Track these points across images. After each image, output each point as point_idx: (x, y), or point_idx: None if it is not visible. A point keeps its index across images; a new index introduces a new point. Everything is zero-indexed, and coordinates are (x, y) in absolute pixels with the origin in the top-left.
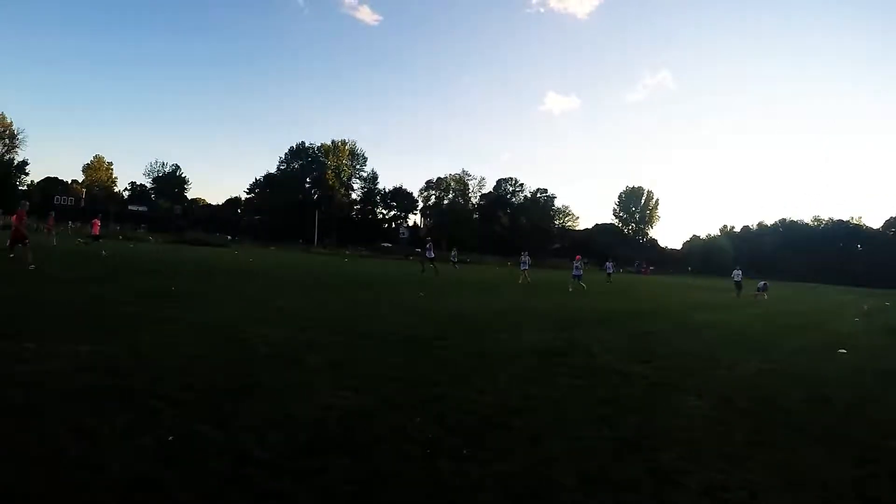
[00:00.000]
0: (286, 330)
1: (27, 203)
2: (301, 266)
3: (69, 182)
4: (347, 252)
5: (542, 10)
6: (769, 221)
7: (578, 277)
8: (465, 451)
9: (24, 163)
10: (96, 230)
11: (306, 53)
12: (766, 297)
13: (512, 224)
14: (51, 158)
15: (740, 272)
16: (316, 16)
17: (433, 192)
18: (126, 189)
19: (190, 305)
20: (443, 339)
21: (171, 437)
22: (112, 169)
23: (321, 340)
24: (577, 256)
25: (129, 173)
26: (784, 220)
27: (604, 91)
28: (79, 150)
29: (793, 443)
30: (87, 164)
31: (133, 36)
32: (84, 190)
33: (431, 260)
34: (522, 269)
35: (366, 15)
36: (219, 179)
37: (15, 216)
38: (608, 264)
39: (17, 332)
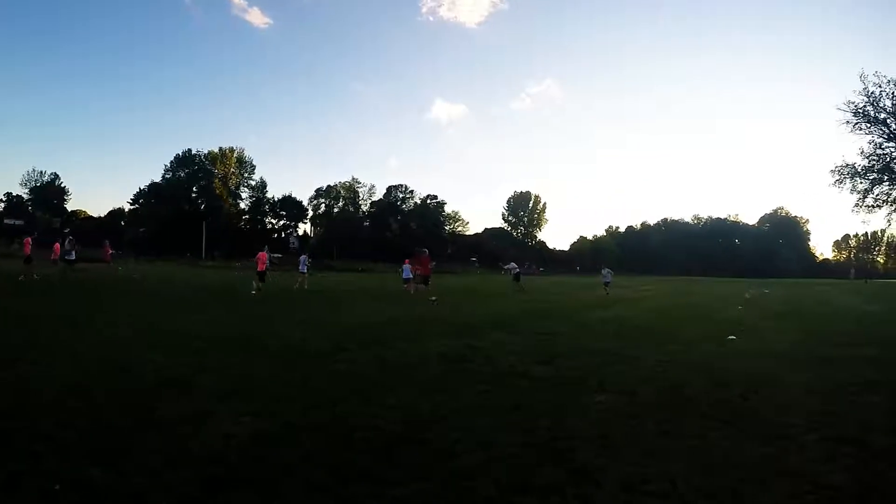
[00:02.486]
0: (176, 353)
1: None
2: (189, 281)
3: None
4: (237, 264)
5: (431, 18)
6: (652, 221)
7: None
8: (384, 475)
9: None
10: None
11: (193, 56)
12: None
13: (403, 230)
14: None
15: (610, 272)
16: (204, 16)
17: (323, 200)
18: (1, 200)
19: (70, 330)
20: (341, 352)
21: (57, 486)
22: None
23: (214, 363)
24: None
25: (3, 184)
26: (666, 219)
27: (490, 99)
28: None
29: (702, 429)
30: None
31: (6, 36)
32: None
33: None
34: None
35: (256, 17)
36: (101, 190)
37: None
38: (511, 264)
39: None
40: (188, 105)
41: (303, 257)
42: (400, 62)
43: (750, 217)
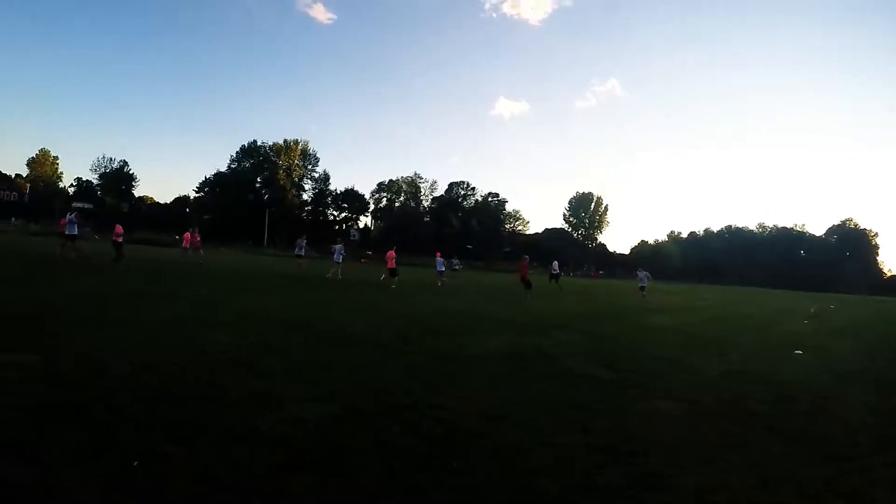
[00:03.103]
0: (242, 333)
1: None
2: (253, 267)
3: (13, 176)
4: (366, 255)
5: (494, 15)
6: (715, 228)
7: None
8: (454, 465)
9: None
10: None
11: (258, 50)
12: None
13: (463, 227)
14: None
15: (647, 275)
16: (269, 12)
17: (384, 194)
18: (72, 185)
19: (140, 309)
20: (406, 343)
21: (135, 463)
22: (58, 164)
23: (279, 345)
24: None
25: (74, 169)
26: (730, 226)
27: (554, 97)
28: (22, 142)
29: (765, 442)
30: (32, 157)
31: (82, 29)
32: (28, 185)
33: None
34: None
35: (320, 13)
36: (167, 177)
37: None
38: (554, 264)
39: None
40: (254, 97)
41: (337, 247)
42: (462, 58)
43: (817, 228)
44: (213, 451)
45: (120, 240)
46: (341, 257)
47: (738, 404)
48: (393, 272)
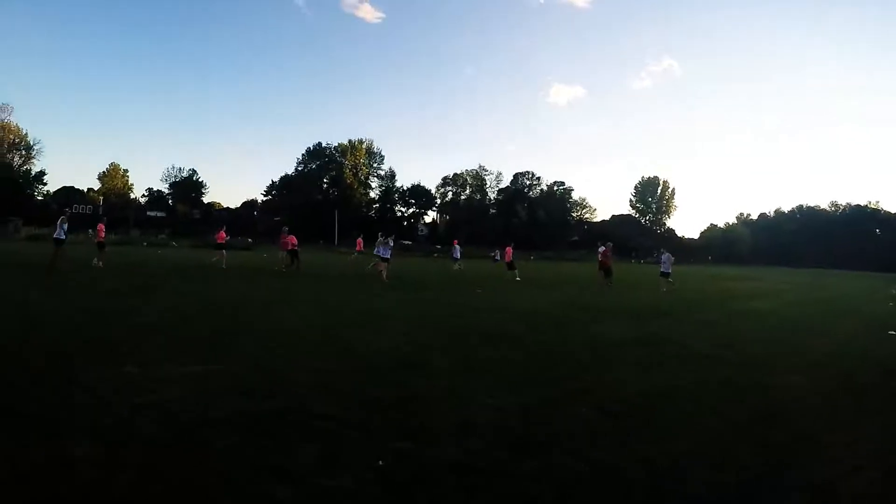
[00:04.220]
0: (386, 335)
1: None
2: (339, 266)
3: (85, 190)
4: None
5: (542, 0)
6: (786, 208)
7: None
8: (644, 434)
9: (42, 173)
10: (101, 236)
11: (312, 54)
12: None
13: (530, 218)
14: (65, 167)
15: (670, 257)
16: (317, 16)
17: (450, 188)
18: (143, 195)
19: (276, 314)
20: (539, 334)
21: (380, 462)
22: (128, 176)
23: (430, 343)
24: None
25: (145, 179)
26: (801, 206)
27: (609, 79)
28: (93, 157)
29: (891, 410)
30: (103, 171)
31: (142, 44)
32: (101, 198)
33: (456, 260)
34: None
35: (367, 13)
36: (233, 183)
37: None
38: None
39: (107, 354)
40: (312, 100)
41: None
42: (513, 47)
43: (892, 204)
44: (444, 444)
45: (103, 239)
46: (389, 252)
47: (854, 378)
48: (511, 266)
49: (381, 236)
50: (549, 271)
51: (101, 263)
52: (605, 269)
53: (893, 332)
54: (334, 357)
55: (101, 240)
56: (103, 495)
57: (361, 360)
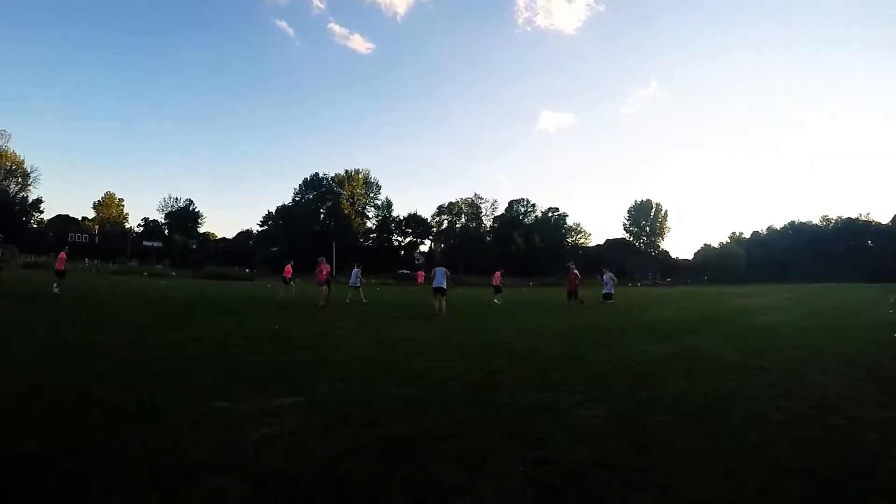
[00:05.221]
0: (443, 361)
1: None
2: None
3: (80, 219)
4: (373, 280)
5: (528, 28)
6: (778, 225)
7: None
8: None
9: (39, 201)
10: (60, 265)
11: (304, 85)
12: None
13: (527, 244)
14: (60, 195)
15: (612, 277)
16: (308, 47)
17: (445, 216)
18: (139, 225)
19: (326, 346)
20: (586, 354)
21: (521, 468)
22: (123, 205)
23: (492, 367)
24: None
25: (141, 209)
26: (793, 222)
27: (597, 106)
28: (89, 186)
29: None
30: (98, 200)
31: (139, 74)
32: (97, 227)
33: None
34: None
35: (358, 44)
36: (228, 213)
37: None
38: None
39: (184, 391)
40: (308, 132)
41: (355, 271)
42: (501, 75)
43: (883, 215)
44: (571, 448)
45: (62, 267)
46: (359, 280)
47: (879, 373)
48: (497, 289)
49: (357, 266)
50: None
51: (57, 290)
52: (572, 293)
53: None
54: (409, 383)
55: (61, 268)
56: None
57: (437, 384)
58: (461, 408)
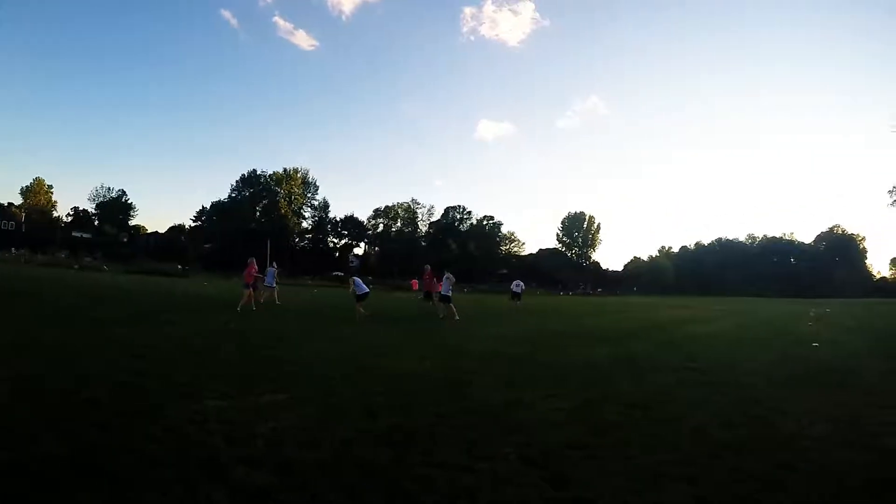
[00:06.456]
0: (413, 359)
1: None
2: (303, 297)
3: (6, 205)
4: (309, 282)
5: (473, 38)
6: (706, 241)
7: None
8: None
9: None
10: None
11: (246, 78)
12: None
13: (461, 251)
14: None
15: (521, 284)
16: (251, 39)
17: (382, 220)
18: (68, 214)
19: (286, 346)
20: (544, 355)
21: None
22: (52, 192)
23: (463, 366)
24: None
25: (70, 198)
26: (720, 239)
27: (537, 117)
28: (15, 171)
29: (827, 382)
30: (26, 186)
31: (71, 59)
32: (23, 214)
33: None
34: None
35: (302, 40)
36: (159, 207)
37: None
38: (516, 283)
39: (173, 388)
40: (246, 127)
41: (271, 270)
42: (443, 82)
43: (805, 235)
44: (547, 432)
45: None
46: (274, 280)
47: (798, 377)
48: (428, 296)
49: (274, 266)
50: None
51: None
52: (429, 293)
53: (817, 345)
54: (386, 381)
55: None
56: None
57: (413, 381)
58: (442, 402)
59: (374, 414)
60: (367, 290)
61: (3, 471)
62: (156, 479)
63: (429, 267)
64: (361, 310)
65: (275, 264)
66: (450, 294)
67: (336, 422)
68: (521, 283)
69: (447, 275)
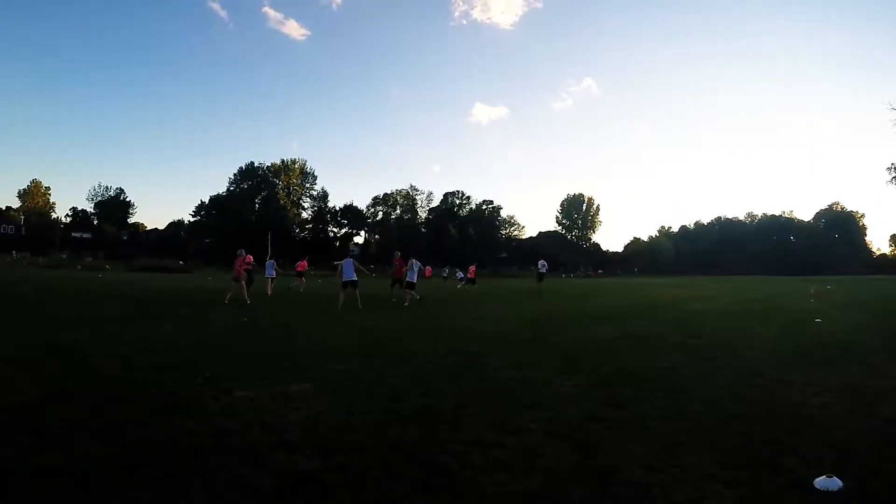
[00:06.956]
0: (434, 343)
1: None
2: (308, 287)
3: (4, 208)
4: (312, 272)
5: (465, 21)
6: (706, 220)
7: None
8: (659, 396)
9: None
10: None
11: (238, 71)
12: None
13: (461, 236)
14: None
15: (545, 264)
16: (242, 30)
17: (381, 208)
18: (67, 215)
19: (300, 335)
20: (553, 335)
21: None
22: (49, 194)
23: (474, 349)
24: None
25: (69, 199)
26: (720, 218)
27: (531, 100)
28: (12, 174)
29: (823, 356)
30: (24, 189)
31: (66, 57)
32: (22, 217)
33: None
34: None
35: (293, 30)
36: (158, 203)
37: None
38: (542, 264)
39: (197, 382)
40: (242, 119)
41: (270, 262)
42: (436, 67)
43: (804, 213)
44: (577, 404)
45: None
46: (273, 272)
47: (800, 351)
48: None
49: (270, 258)
50: (501, 286)
51: None
52: (398, 280)
53: (819, 321)
54: (403, 364)
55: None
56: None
57: (429, 364)
58: (461, 382)
59: (398, 397)
60: (355, 277)
61: (47, 474)
62: (200, 469)
63: (398, 253)
64: (342, 297)
65: (271, 257)
66: (414, 281)
67: (364, 405)
68: (545, 264)
69: (412, 260)
